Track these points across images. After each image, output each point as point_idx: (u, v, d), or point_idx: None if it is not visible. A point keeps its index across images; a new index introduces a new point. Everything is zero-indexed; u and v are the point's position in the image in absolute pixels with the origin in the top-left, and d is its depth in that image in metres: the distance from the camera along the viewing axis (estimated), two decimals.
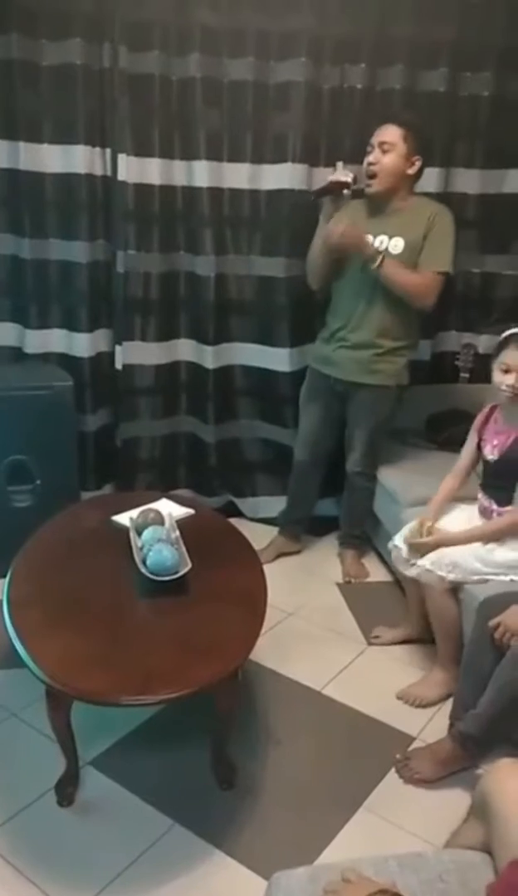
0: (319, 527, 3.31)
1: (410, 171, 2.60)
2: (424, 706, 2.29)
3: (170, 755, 2.09)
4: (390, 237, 2.60)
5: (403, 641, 2.58)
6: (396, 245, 2.59)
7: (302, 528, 3.20)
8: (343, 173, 2.58)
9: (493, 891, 1.15)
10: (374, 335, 2.70)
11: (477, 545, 2.22)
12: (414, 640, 2.56)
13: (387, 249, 2.59)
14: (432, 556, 2.23)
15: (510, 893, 1.11)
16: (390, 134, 2.55)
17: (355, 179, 2.59)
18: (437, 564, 2.21)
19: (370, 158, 2.59)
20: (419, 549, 2.27)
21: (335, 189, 2.58)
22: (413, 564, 2.28)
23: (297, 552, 3.20)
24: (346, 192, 2.57)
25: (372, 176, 2.58)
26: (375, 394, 2.77)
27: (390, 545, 2.43)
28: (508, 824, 1.26)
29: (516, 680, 1.85)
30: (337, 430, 2.95)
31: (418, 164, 2.60)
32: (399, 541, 2.37)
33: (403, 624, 2.59)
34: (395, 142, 2.54)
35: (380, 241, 2.61)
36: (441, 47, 2.91)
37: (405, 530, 2.37)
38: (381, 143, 2.56)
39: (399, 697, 2.33)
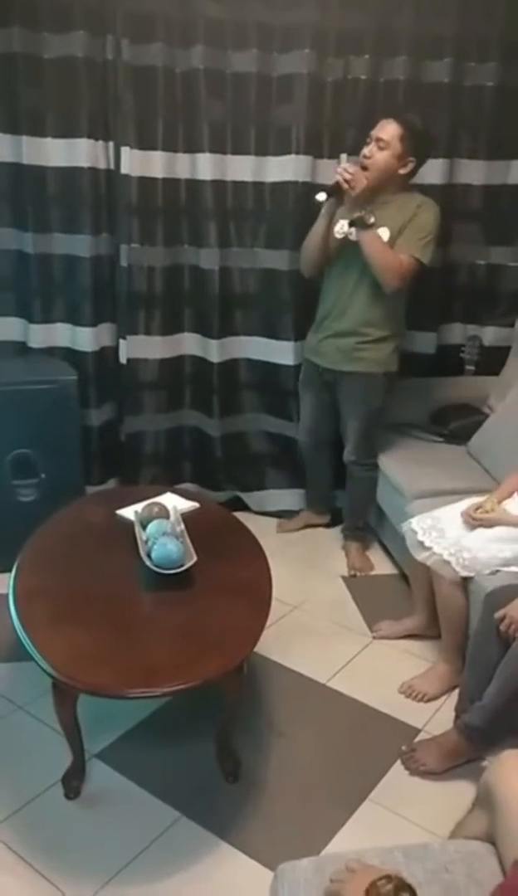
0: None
1: (402, 171, 2.62)
2: (425, 701, 2.29)
3: (175, 748, 2.09)
4: (376, 227, 2.61)
5: (407, 636, 2.57)
6: (382, 234, 2.61)
7: (326, 502, 3.29)
8: (345, 171, 2.52)
9: (502, 890, 1.15)
10: (357, 324, 2.74)
11: (502, 531, 2.21)
12: (418, 635, 2.56)
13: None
14: (452, 547, 2.22)
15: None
16: (388, 131, 2.56)
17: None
18: (455, 557, 2.20)
19: (366, 151, 2.61)
20: (477, 523, 2.25)
21: (339, 189, 2.55)
22: (428, 549, 2.27)
23: (326, 525, 3.30)
24: (348, 188, 2.54)
25: (364, 168, 2.59)
26: (362, 381, 2.80)
27: (405, 527, 2.41)
28: (512, 815, 1.26)
29: None
30: (333, 418, 3.00)
31: (412, 165, 2.62)
32: (416, 524, 2.36)
33: (408, 617, 2.59)
34: (390, 140, 2.56)
35: None
36: (445, 38, 2.89)
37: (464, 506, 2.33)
38: (378, 139, 2.57)
39: (400, 691, 2.33)
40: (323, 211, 2.65)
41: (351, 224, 2.58)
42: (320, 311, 2.86)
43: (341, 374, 2.82)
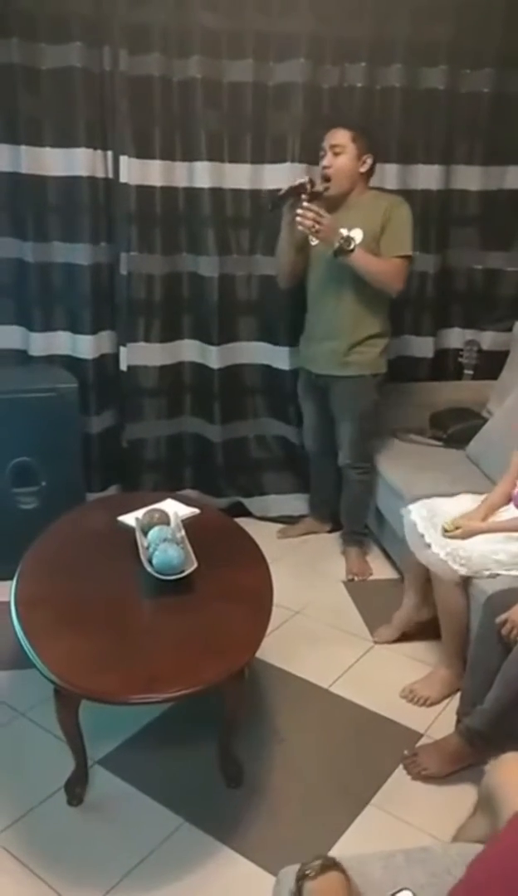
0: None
1: (362, 170, 2.71)
2: (427, 705, 2.29)
3: (177, 754, 2.10)
4: (349, 229, 2.65)
5: (403, 636, 2.57)
6: (356, 236, 2.66)
7: (329, 507, 3.28)
8: (299, 178, 2.65)
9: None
10: (344, 327, 2.79)
11: (498, 535, 2.21)
12: (413, 635, 2.55)
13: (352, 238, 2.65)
14: (448, 547, 2.22)
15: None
16: (340, 137, 2.66)
17: (312, 183, 2.65)
18: (451, 556, 2.20)
19: (324, 162, 2.70)
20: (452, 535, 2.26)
21: (293, 195, 2.63)
22: (428, 546, 2.27)
23: (328, 532, 3.31)
24: (303, 196, 2.61)
25: (327, 178, 2.68)
26: (352, 385, 2.84)
27: (404, 514, 2.41)
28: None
29: None
30: (333, 423, 3.02)
31: (369, 161, 2.71)
32: (416, 513, 2.36)
33: (397, 611, 2.57)
34: (345, 144, 2.65)
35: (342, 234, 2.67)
36: (440, 45, 2.93)
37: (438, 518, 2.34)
38: (333, 147, 2.67)
39: (402, 696, 2.33)
40: (283, 225, 2.75)
41: (335, 255, 2.60)
42: (309, 319, 2.92)
43: (333, 378, 2.87)
